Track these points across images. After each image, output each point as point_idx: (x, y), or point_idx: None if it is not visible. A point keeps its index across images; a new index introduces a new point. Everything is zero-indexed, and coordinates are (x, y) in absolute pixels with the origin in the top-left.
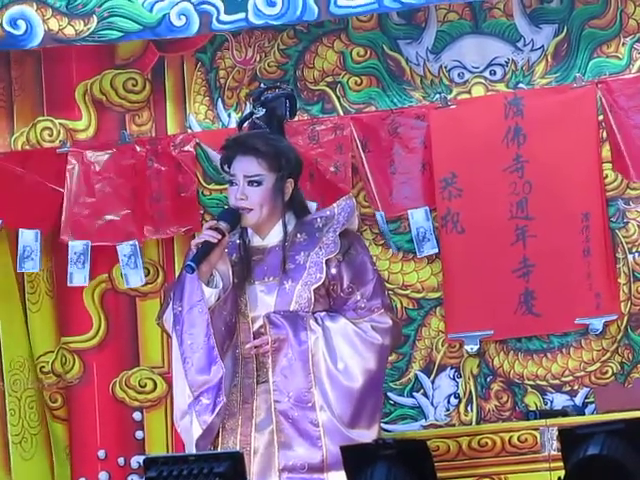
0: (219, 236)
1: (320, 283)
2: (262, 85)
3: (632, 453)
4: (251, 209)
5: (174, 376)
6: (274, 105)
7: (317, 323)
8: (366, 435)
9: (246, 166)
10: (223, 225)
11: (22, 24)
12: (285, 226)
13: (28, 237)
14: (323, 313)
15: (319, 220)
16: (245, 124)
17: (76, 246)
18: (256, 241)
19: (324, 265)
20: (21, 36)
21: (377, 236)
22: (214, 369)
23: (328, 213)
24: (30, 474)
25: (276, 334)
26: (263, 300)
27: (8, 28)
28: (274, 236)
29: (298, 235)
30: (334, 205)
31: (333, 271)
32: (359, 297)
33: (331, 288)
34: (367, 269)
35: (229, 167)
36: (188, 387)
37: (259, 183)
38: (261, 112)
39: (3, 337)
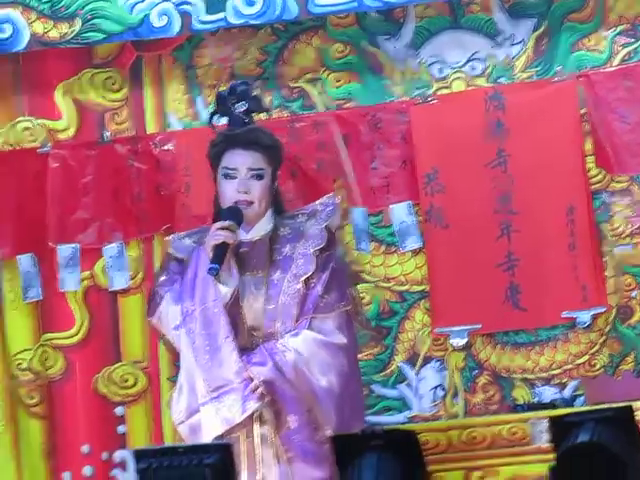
0: (234, 236)
1: (309, 274)
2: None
3: (621, 440)
4: (252, 202)
5: (182, 375)
6: (254, 100)
7: (287, 348)
8: None
9: (249, 159)
10: (232, 224)
11: (8, 28)
12: (274, 218)
13: (26, 263)
14: (286, 336)
15: (301, 216)
16: (219, 120)
17: (64, 250)
18: (240, 235)
19: (313, 256)
20: (6, 40)
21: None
22: (237, 370)
23: (310, 210)
24: None
25: (260, 376)
26: (253, 293)
27: None
28: (258, 230)
29: (281, 229)
30: (316, 202)
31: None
32: (320, 292)
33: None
34: (329, 267)
35: (220, 161)
36: (205, 386)
37: (261, 177)
38: (244, 107)
39: None
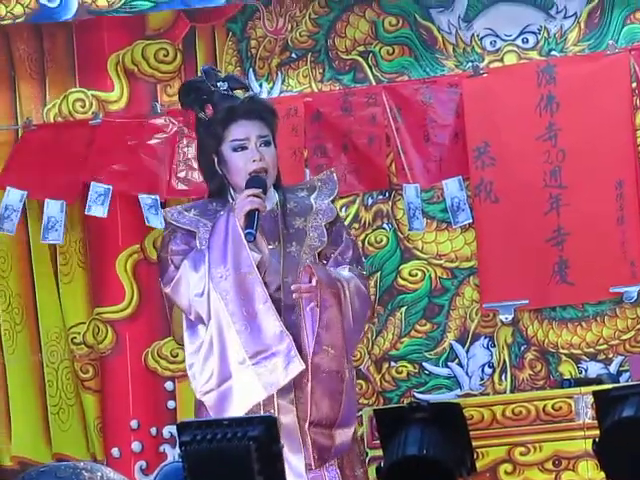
0: (264, 203)
1: (323, 247)
2: (293, 55)
3: None
4: (267, 170)
5: (208, 342)
6: (232, 78)
7: (339, 274)
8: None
9: (256, 128)
10: (260, 191)
11: None
12: (282, 190)
13: (54, 208)
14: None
15: (300, 191)
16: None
17: (96, 186)
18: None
19: (324, 229)
20: (55, 8)
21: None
22: (278, 334)
23: (309, 185)
24: (68, 445)
25: (321, 278)
26: (272, 265)
27: (42, 0)
28: (269, 200)
29: (289, 202)
30: (313, 178)
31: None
32: (351, 253)
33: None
34: (343, 236)
35: (223, 137)
36: (242, 352)
37: (269, 143)
38: (224, 85)
39: (40, 309)
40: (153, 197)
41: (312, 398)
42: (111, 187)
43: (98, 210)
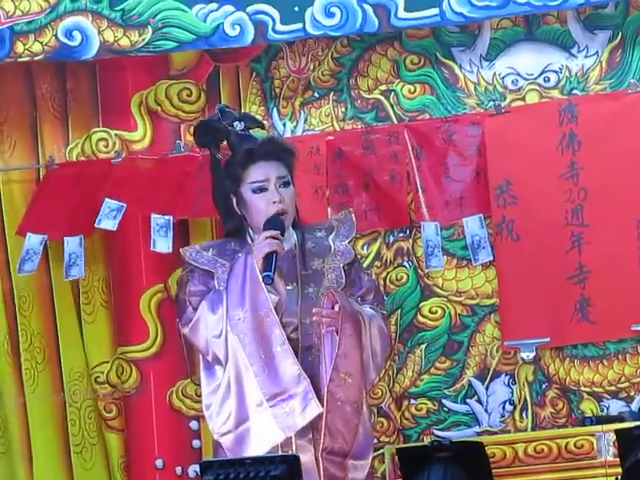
0: (282, 245)
1: (341, 289)
2: (316, 94)
3: None
4: (287, 211)
5: (225, 383)
6: (248, 117)
7: (363, 309)
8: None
9: (275, 169)
10: (278, 233)
11: (77, 35)
12: (301, 230)
13: (73, 244)
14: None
15: (318, 231)
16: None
17: (111, 203)
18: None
19: (342, 271)
20: (76, 47)
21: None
22: (295, 376)
23: (327, 225)
24: None
25: (344, 306)
26: (289, 306)
27: (63, 39)
28: (287, 240)
29: (307, 243)
30: (331, 218)
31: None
32: (372, 298)
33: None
34: (363, 276)
35: (241, 180)
36: (259, 394)
37: (288, 184)
38: (241, 125)
39: (62, 348)
40: (166, 218)
41: (326, 425)
42: (125, 205)
43: (108, 223)
